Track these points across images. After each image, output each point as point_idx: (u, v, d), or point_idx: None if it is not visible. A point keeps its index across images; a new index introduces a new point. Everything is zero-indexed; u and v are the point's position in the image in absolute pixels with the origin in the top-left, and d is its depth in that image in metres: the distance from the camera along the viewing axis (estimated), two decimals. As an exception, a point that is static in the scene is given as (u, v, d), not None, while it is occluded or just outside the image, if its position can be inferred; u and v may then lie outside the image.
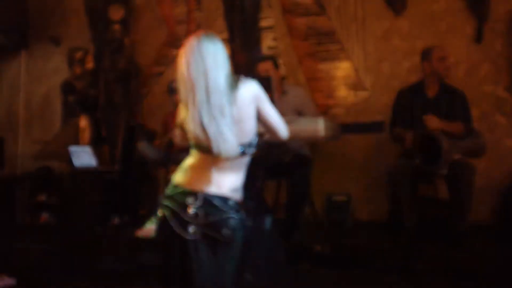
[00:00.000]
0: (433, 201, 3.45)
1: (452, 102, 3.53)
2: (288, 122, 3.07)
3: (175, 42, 4.98)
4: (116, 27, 4.93)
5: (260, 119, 2.00)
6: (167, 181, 3.87)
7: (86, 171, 4.34)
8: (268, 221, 3.30)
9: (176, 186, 1.93)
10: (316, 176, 4.12)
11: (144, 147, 4.21)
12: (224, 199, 1.88)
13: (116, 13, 4.92)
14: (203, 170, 1.92)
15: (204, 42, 1.92)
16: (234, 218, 1.88)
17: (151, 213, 3.96)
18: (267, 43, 4.67)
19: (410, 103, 3.62)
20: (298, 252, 3.28)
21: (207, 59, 1.88)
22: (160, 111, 4.86)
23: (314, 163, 3.81)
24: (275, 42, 4.65)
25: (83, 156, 4.39)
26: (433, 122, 3.32)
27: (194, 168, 1.95)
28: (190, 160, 1.97)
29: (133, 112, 4.91)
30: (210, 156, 1.88)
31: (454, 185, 3.20)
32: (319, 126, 3.04)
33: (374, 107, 4.27)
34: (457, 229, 3.12)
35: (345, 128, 4.02)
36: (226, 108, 1.83)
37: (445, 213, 3.27)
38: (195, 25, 4.92)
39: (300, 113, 3.69)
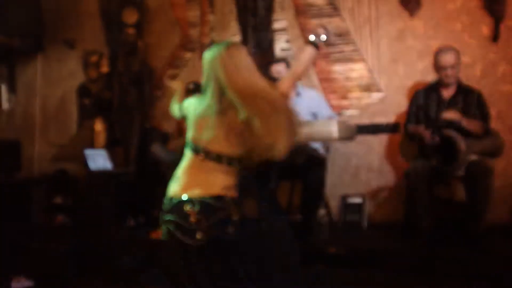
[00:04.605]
0: (450, 202, 3.42)
1: (468, 103, 3.49)
2: (303, 124, 3.10)
3: (189, 45, 5.01)
4: (130, 30, 4.96)
5: None
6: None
7: (101, 173, 4.37)
8: (281, 223, 3.29)
9: (171, 198, 1.94)
10: (331, 177, 4.12)
11: (158, 149, 4.23)
12: (219, 198, 1.88)
13: (130, 16, 4.95)
14: (194, 173, 1.93)
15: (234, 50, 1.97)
16: (234, 214, 1.88)
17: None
18: (280, 45, 4.67)
19: (425, 103, 3.59)
20: (313, 253, 3.27)
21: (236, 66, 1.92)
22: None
23: (329, 165, 3.79)
24: (288, 44, 4.64)
25: (99, 159, 4.43)
26: (451, 114, 3.27)
27: (185, 173, 1.95)
28: (181, 165, 1.98)
29: (147, 115, 4.94)
30: (200, 157, 1.90)
31: (471, 186, 3.16)
32: (333, 128, 3.02)
33: (389, 108, 4.24)
34: (474, 231, 3.09)
35: (359, 130, 4.00)
36: None
37: (462, 214, 3.23)
38: (208, 28, 4.94)
39: (314, 114, 3.69)
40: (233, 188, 1.94)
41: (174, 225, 1.88)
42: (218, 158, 1.89)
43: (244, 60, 1.95)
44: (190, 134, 1.99)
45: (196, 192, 1.87)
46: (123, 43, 4.98)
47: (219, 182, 1.90)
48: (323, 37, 2.20)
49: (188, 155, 1.97)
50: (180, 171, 1.97)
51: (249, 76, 1.91)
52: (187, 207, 1.86)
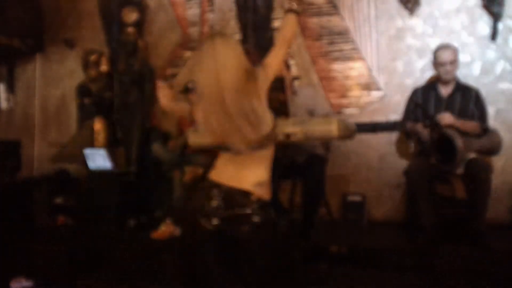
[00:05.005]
0: (450, 200, 3.44)
1: (466, 101, 3.50)
2: (302, 122, 3.11)
3: (189, 44, 5.01)
4: (130, 29, 4.95)
5: None
6: (182, 182, 3.92)
7: (102, 173, 4.37)
8: (283, 221, 3.31)
9: (206, 179, 1.95)
10: (331, 176, 4.12)
11: (158, 149, 4.23)
12: (246, 194, 1.88)
13: (130, 15, 4.94)
14: (228, 164, 1.93)
15: (217, 43, 1.93)
16: (256, 215, 1.89)
17: (167, 215, 3.99)
18: (280, 43, 4.67)
19: (423, 101, 3.60)
20: (314, 252, 3.28)
21: (218, 61, 1.89)
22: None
23: (329, 163, 3.80)
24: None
25: (99, 159, 4.43)
26: (446, 118, 3.29)
27: (221, 161, 1.96)
28: (219, 159, 1.98)
29: (147, 114, 4.93)
30: (233, 152, 1.90)
31: (471, 184, 3.18)
32: (333, 126, 3.02)
33: (388, 107, 4.26)
34: (475, 228, 3.11)
35: (359, 128, 4.01)
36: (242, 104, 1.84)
37: (463, 212, 3.25)
38: (208, 27, 4.94)
39: (311, 112, 3.69)
40: (266, 185, 1.93)
41: (198, 204, 1.91)
42: (267, 139, 1.89)
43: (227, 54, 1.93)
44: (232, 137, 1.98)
45: (227, 181, 1.89)
46: (123, 43, 4.98)
47: (252, 177, 1.89)
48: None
49: (222, 154, 1.97)
50: (218, 161, 1.97)
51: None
52: (214, 191, 1.88)
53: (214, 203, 1.86)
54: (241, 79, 1.88)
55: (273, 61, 2.00)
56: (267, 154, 1.95)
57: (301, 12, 2.15)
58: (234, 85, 1.86)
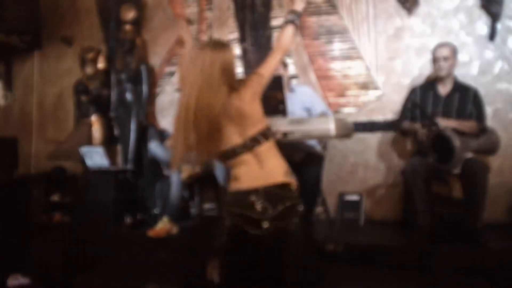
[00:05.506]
0: (447, 200, 3.44)
1: (464, 100, 3.51)
2: (300, 121, 3.10)
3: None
4: (128, 27, 4.95)
5: None
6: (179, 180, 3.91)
7: (99, 171, 4.37)
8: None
9: (235, 192, 1.94)
10: (328, 175, 4.13)
11: (155, 147, 4.23)
12: (284, 186, 1.89)
13: (128, 13, 4.94)
14: (252, 167, 1.92)
15: (201, 54, 1.93)
16: (299, 204, 1.91)
17: (163, 213, 3.99)
18: (278, 42, 4.66)
19: (422, 101, 3.60)
20: (311, 251, 3.27)
21: (200, 72, 1.89)
22: (171, 110, 4.88)
23: (326, 162, 3.80)
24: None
25: (96, 157, 4.42)
26: (444, 122, 3.30)
27: (241, 171, 1.95)
28: (239, 168, 1.97)
29: (145, 112, 4.93)
30: (250, 150, 1.91)
31: (468, 183, 3.18)
32: (330, 125, 3.02)
33: (386, 106, 4.25)
34: (471, 227, 3.10)
35: (357, 127, 4.01)
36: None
37: (459, 211, 3.25)
38: (206, 25, 4.93)
39: (308, 110, 3.69)
40: (291, 173, 1.95)
41: (239, 217, 1.89)
42: (263, 135, 1.90)
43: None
44: (228, 142, 1.97)
45: (260, 183, 1.88)
46: (121, 40, 4.97)
47: (279, 167, 1.91)
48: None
49: (239, 158, 1.96)
50: (239, 171, 1.96)
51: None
52: (252, 197, 1.87)
53: (259, 207, 1.85)
54: (218, 98, 1.88)
55: (267, 71, 2.03)
56: (270, 146, 1.96)
57: (299, 24, 2.20)
58: (209, 104, 1.87)
